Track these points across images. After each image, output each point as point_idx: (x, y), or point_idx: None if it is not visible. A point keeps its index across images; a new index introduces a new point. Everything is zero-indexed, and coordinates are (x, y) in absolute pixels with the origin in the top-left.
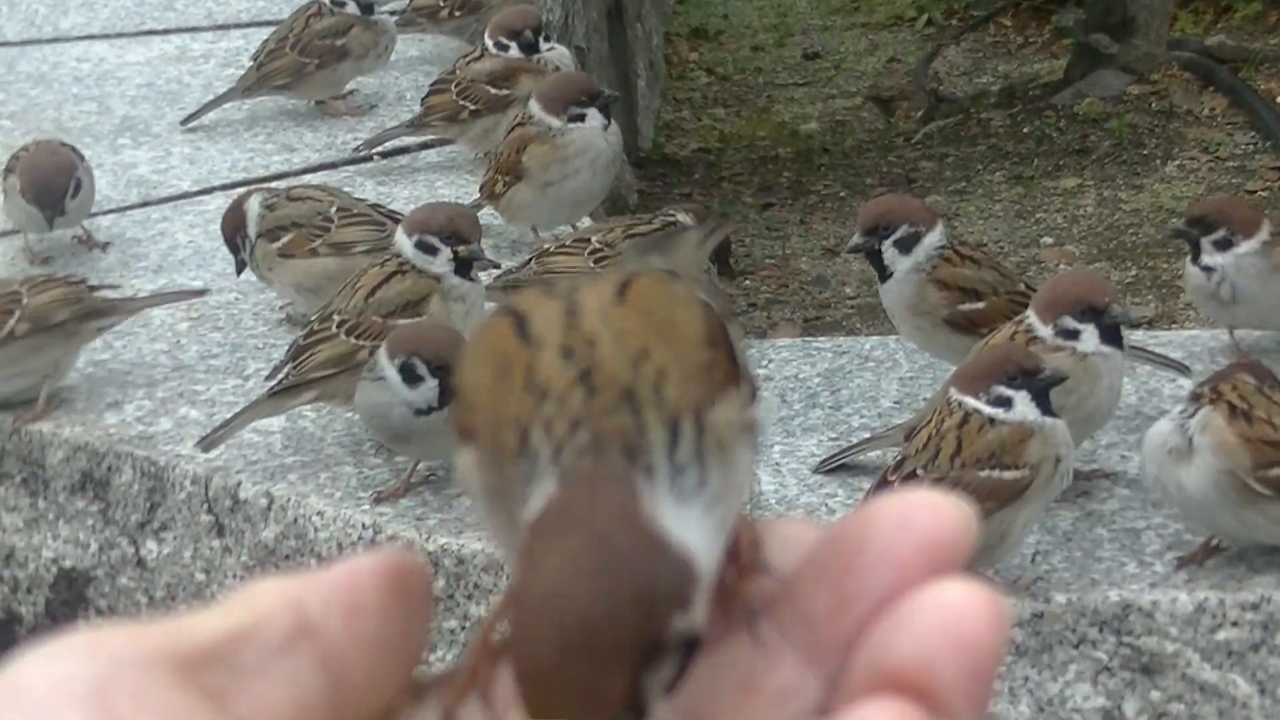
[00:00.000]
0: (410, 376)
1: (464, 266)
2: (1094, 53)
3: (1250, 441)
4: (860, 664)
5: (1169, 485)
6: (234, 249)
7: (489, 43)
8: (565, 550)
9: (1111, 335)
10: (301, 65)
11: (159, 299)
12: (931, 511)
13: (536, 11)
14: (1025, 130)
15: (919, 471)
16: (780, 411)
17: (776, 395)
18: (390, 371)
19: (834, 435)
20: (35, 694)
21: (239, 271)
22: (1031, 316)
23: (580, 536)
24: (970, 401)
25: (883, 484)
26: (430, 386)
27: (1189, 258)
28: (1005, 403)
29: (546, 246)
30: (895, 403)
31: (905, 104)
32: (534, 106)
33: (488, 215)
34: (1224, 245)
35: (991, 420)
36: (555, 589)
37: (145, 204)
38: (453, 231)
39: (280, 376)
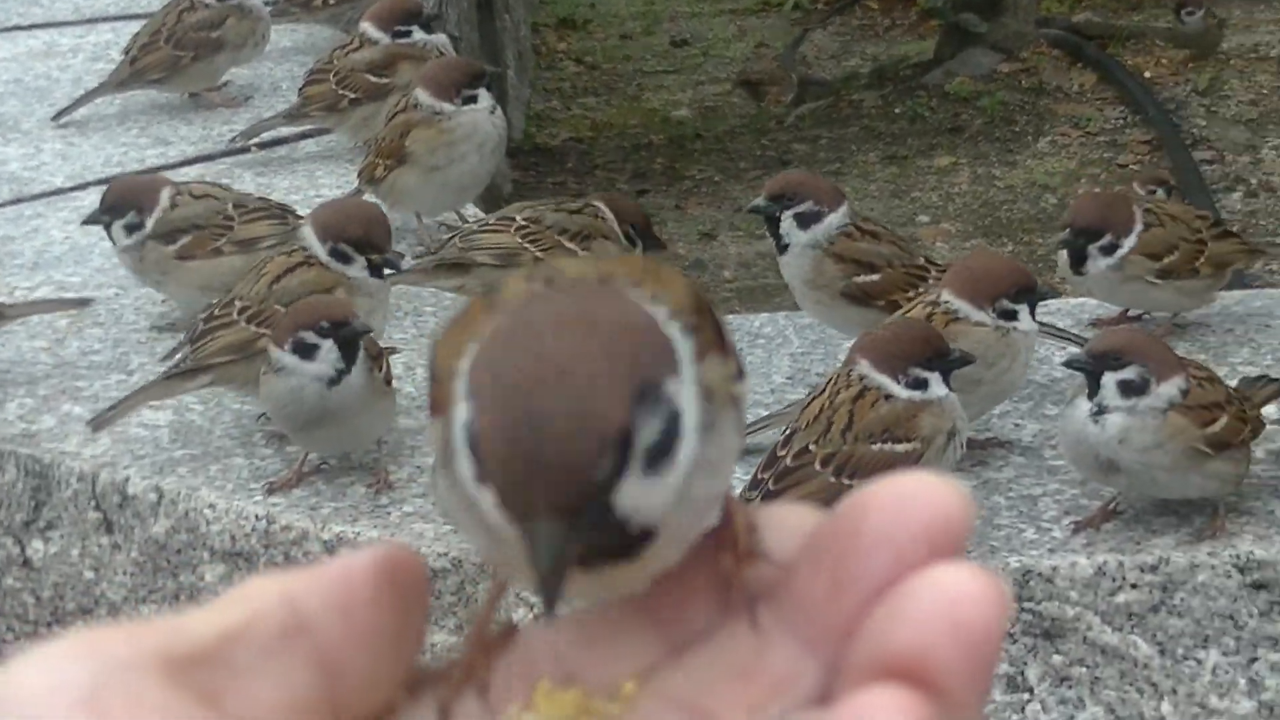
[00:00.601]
0: (305, 350)
1: (376, 270)
2: (963, 32)
3: (1191, 409)
4: (859, 650)
5: (1100, 471)
6: (109, 221)
7: (369, 30)
8: (534, 313)
9: (1019, 315)
10: (177, 59)
11: (41, 306)
12: (929, 494)
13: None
14: (897, 110)
15: (811, 447)
16: None
17: None
18: (286, 357)
19: None
20: (30, 699)
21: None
22: (948, 295)
23: (550, 305)
24: (888, 383)
25: (773, 459)
26: (328, 349)
27: (1070, 263)
28: (922, 384)
29: (469, 225)
30: (787, 378)
31: (775, 88)
32: (420, 93)
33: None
34: (1110, 250)
35: (888, 396)
36: (525, 335)
37: (18, 201)
38: (368, 242)
39: (177, 359)
